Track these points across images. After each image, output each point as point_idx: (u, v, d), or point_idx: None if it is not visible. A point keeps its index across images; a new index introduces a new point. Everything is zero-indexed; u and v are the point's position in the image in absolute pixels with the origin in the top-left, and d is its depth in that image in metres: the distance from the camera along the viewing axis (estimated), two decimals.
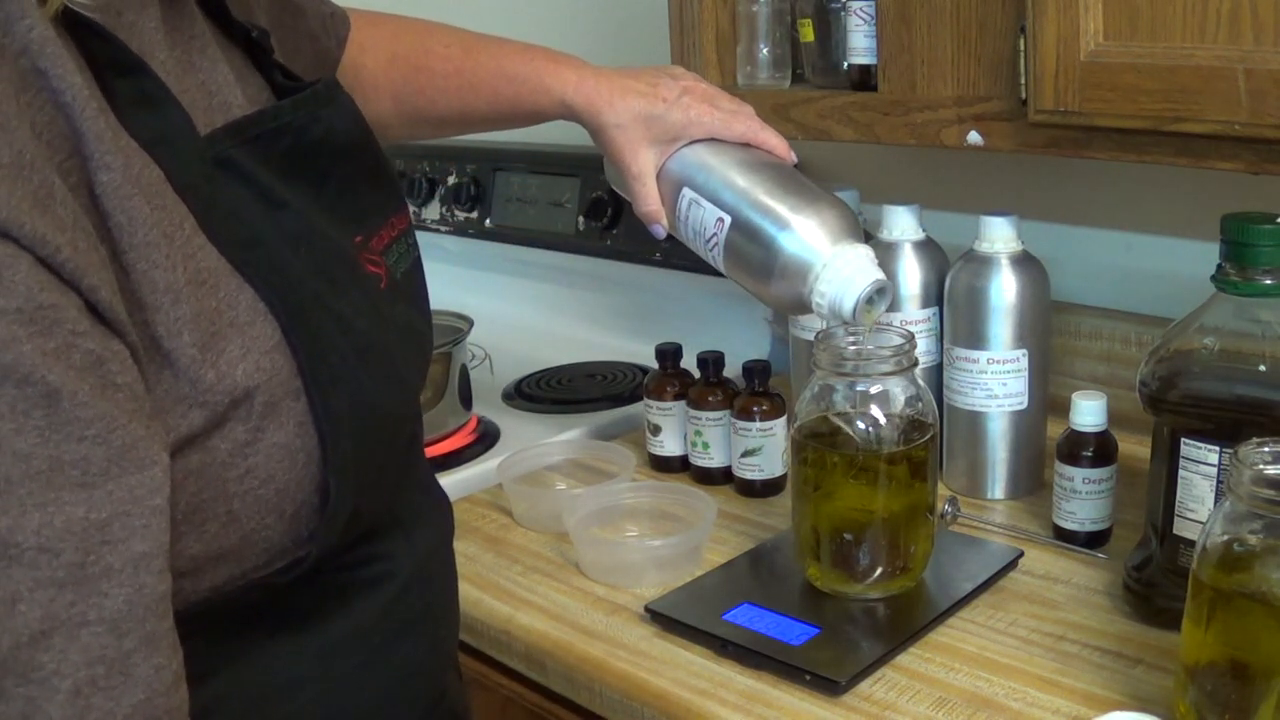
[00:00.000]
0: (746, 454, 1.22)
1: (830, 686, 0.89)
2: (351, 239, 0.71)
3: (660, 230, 0.95)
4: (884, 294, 0.88)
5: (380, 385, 0.67)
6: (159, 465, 0.53)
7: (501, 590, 1.09)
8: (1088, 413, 1.06)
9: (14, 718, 0.49)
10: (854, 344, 0.99)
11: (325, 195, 0.70)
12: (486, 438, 1.43)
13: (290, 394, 0.61)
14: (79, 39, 0.58)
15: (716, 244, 0.90)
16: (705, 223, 0.91)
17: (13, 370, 0.49)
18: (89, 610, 0.50)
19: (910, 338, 0.99)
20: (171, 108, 0.61)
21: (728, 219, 0.90)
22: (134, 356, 0.54)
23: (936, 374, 1.20)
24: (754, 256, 0.89)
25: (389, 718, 0.74)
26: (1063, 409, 1.09)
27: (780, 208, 0.88)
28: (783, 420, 1.22)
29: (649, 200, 0.94)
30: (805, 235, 0.87)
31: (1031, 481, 1.19)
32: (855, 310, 0.86)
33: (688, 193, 0.92)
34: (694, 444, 1.27)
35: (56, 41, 0.55)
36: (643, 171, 0.93)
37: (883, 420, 0.98)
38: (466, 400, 1.45)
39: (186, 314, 0.57)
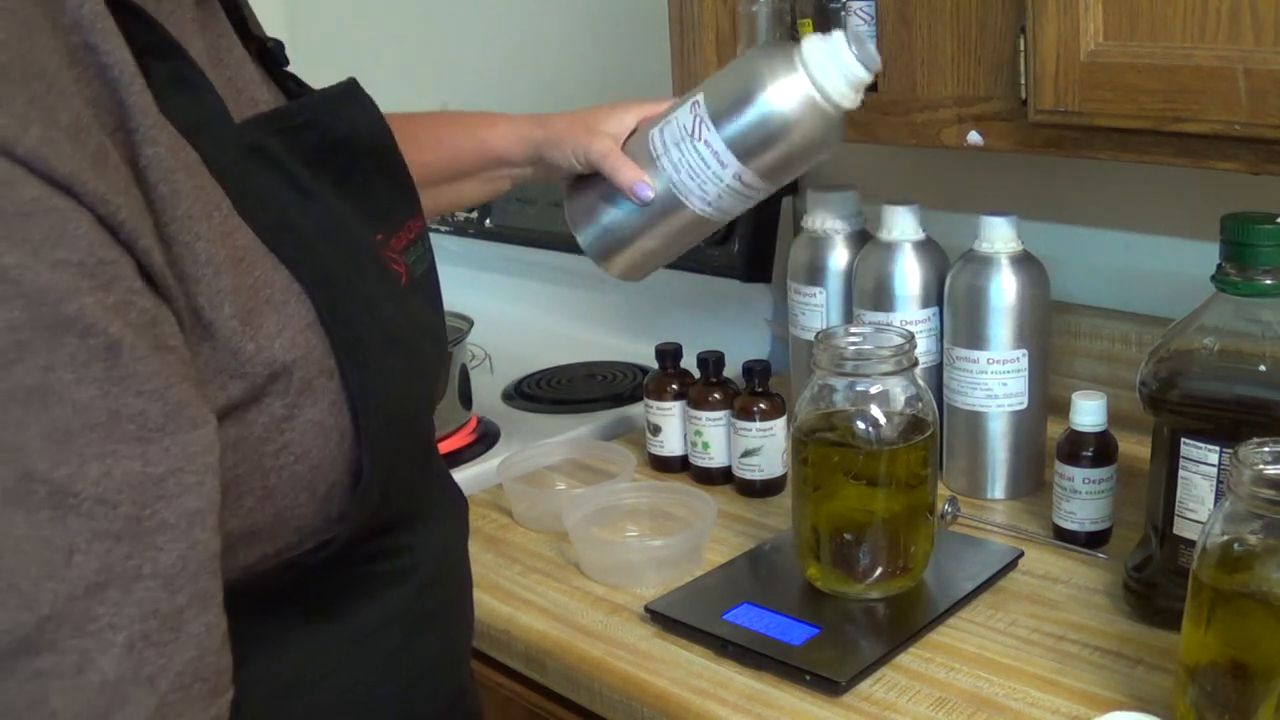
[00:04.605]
0: (746, 454, 1.22)
1: (830, 686, 0.89)
2: (373, 236, 0.72)
3: (645, 189, 0.94)
4: (859, 36, 0.90)
5: (406, 373, 0.68)
6: (209, 426, 0.54)
7: (501, 590, 1.09)
8: (1088, 413, 1.06)
9: (68, 670, 0.49)
10: (854, 344, 0.99)
11: (348, 191, 0.71)
12: (486, 438, 1.43)
13: (324, 373, 0.61)
14: (120, 21, 0.59)
15: (701, 124, 0.90)
16: (683, 124, 0.91)
17: (75, 321, 0.49)
18: (144, 564, 0.50)
19: (910, 337, 0.99)
20: (207, 93, 0.62)
21: (699, 95, 0.90)
22: (179, 324, 0.55)
23: (936, 374, 1.20)
24: (740, 99, 0.89)
25: (412, 711, 0.75)
26: (1063, 409, 1.09)
27: (735, 59, 0.90)
28: (783, 420, 1.22)
29: (626, 167, 0.94)
30: (769, 51, 0.89)
31: (1031, 481, 1.19)
32: (857, 57, 0.88)
33: (655, 133, 0.93)
34: (694, 444, 1.27)
35: (107, 17, 0.55)
36: (606, 148, 0.95)
37: (883, 420, 0.98)
38: (466, 400, 1.45)
39: (227, 286, 0.58)
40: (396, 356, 0.67)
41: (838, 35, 0.89)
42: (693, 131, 0.90)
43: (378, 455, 0.64)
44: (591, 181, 0.98)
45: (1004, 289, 1.12)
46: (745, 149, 0.90)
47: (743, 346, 1.50)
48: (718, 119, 0.90)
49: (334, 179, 0.69)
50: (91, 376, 0.49)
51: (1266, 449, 0.75)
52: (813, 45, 0.89)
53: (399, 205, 0.76)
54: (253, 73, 0.70)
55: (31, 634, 0.48)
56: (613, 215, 0.96)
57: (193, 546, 0.52)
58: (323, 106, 0.71)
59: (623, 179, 0.94)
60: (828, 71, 0.88)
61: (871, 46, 0.90)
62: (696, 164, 0.91)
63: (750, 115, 0.89)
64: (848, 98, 0.90)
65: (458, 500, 0.83)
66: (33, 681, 0.48)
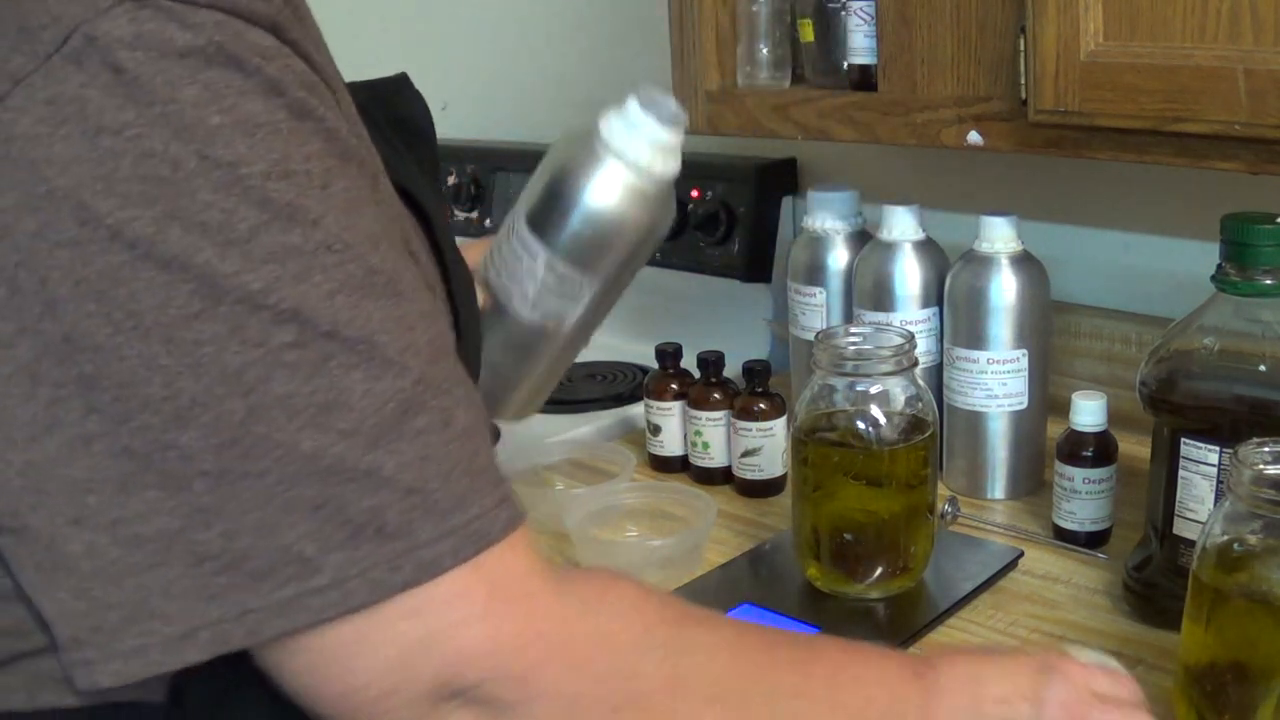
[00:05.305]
0: (746, 454, 1.22)
1: None
2: None
3: None
4: (650, 96, 0.79)
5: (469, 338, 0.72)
6: None
7: None
8: (1088, 413, 1.06)
9: (438, 425, 0.56)
10: (854, 344, 0.99)
11: None
12: None
13: (435, 289, 0.66)
14: None
15: (514, 219, 0.81)
16: (503, 229, 0.83)
17: (355, 153, 0.57)
18: (447, 340, 0.60)
19: (910, 337, 0.99)
20: (327, 55, 0.64)
21: (509, 217, 0.82)
22: None
23: (936, 374, 1.20)
24: (550, 195, 0.79)
25: None
26: (1063, 409, 1.09)
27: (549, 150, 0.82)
28: (783, 420, 1.22)
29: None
30: (572, 137, 0.80)
31: (1031, 481, 1.19)
32: (657, 119, 0.78)
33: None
34: (694, 444, 1.27)
35: None
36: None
37: (883, 420, 0.98)
38: None
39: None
40: (469, 315, 0.71)
41: (631, 104, 0.79)
42: (506, 230, 0.82)
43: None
44: None
45: (1004, 289, 1.12)
46: (561, 241, 0.80)
47: (743, 346, 1.49)
48: (534, 220, 0.80)
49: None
50: (376, 198, 0.57)
51: (1266, 449, 0.75)
52: (610, 125, 0.79)
53: (437, 195, 0.78)
54: None
55: (410, 396, 0.54)
56: None
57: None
58: (383, 88, 0.75)
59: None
60: (633, 147, 0.78)
61: (670, 100, 0.79)
62: (511, 261, 0.82)
63: (565, 210, 0.79)
64: (662, 164, 0.79)
65: None
66: (419, 440, 0.54)
